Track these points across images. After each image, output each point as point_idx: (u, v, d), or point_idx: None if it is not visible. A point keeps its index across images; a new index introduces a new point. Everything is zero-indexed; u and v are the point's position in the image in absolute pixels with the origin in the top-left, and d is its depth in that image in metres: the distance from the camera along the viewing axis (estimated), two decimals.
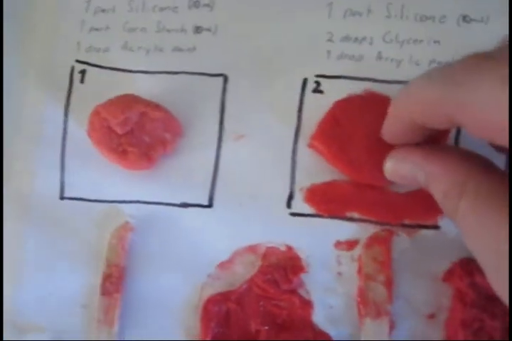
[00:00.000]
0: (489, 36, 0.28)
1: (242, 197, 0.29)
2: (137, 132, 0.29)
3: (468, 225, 0.21)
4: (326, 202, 0.29)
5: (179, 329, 0.29)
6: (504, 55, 0.18)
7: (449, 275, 0.28)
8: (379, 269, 0.28)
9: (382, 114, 0.28)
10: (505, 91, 0.17)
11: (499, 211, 0.20)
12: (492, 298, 0.27)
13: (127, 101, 0.29)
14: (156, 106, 0.29)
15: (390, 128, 0.25)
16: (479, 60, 0.19)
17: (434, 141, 0.26)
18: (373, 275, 0.28)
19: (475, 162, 0.22)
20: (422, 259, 0.28)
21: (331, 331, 0.28)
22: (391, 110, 0.24)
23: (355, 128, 0.29)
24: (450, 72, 0.20)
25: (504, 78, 0.18)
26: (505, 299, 0.19)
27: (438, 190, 0.23)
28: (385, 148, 0.28)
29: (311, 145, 0.29)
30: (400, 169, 0.25)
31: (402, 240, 0.29)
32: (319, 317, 0.29)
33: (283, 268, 0.29)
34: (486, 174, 0.21)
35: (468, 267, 0.27)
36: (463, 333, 0.27)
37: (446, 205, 0.22)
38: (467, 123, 0.19)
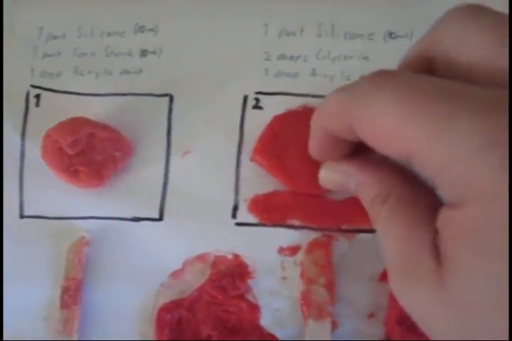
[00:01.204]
0: None
1: (191, 210, 0.31)
2: (88, 152, 0.31)
3: (382, 230, 0.23)
4: (268, 211, 0.31)
5: (136, 337, 0.31)
6: (400, 72, 0.20)
7: (385, 276, 0.30)
8: (320, 273, 0.30)
9: None
10: (395, 105, 0.18)
11: (408, 220, 0.21)
12: None
13: (76, 124, 0.30)
14: (104, 127, 0.31)
15: (314, 144, 0.26)
16: (378, 75, 0.21)
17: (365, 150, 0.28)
18: (315, 278, 0.30)
19: (401, 174, 0.24)
20: (360, 262, 0.30)
21: (278, 333, 0.30)
22: (311, 125, 0.26)
23: (291, 142, 0.30)
24: (353, 86, 0.21)
25: (395, 92, 0.19)
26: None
27: (366, 198, 0.25)
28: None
29: (252, 159, 0.31)
30: (333, 178, 0.27)
31: (341, 244, 0.31)
32: (266, 320, 0.30)
33: (231, 275, 0.30)
34: (408, 186, 0.22)
35: None
36: (398, 329, 0.29)
37: (371, 212, 0.24)
38: (363, 136, 0.21)
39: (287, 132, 0.31)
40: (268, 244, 0.31)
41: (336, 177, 0.26)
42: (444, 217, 0.18)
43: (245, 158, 0.31)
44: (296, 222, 0.31)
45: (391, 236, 0.22)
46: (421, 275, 0.19)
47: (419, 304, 0.19)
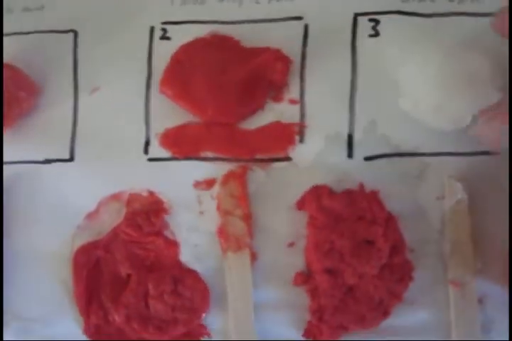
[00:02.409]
0: None
1: (102, 148, 0.30)
2: None
3: None
4: (180, 144, 0.30)
5: (55, 281, 0.30)
6: None
7: (301, 204, 0.29)
8: (236, 204, 0.29)
9: (227, 53, 0.29)
10: None
11: None
12: (338, 219, 0.28)
13: None
14: (6, 66, 0.29)
15: None
16: None
17: None
18: (231, 210, 0.29)
19: None
20: (277, 191, 0.29)
21: (198, 267, 0.29)
22: None
23: (199, 70, 0.29)
24: None
25: None
26: None
27: None
28: (228, 87, 0.28)
29: (161, 91, 0.30)
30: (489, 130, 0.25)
31: (257, 174, 0.29)
32: (186, 256, 0.29)
33: (145, 213, 0.29)
34: None
35: (316, 193, 0.28)
36: (316, 256, 0.28)
37: None
38: None
39: (194, 61, 0.29)
40: (183, 179, 0.30)
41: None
42: None
43: (155, 91, 0.30)
44: (210, 154, 0.30)
45: None
46: None
47: None
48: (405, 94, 0.28)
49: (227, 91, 0.28)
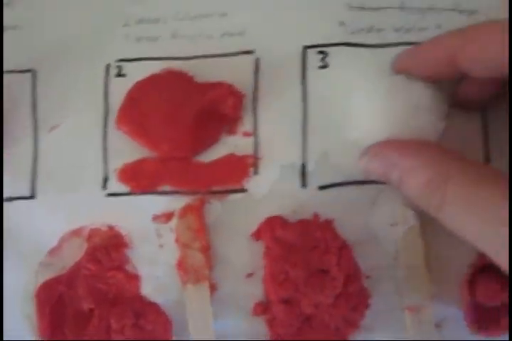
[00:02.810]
0: (270, 4, 0.30)
1: (62, 185, 0.31)
2: None
3: (459, 213, 0.21)
4: (138, 179, 0.30)
5: (21, 319, 0.30)
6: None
7: (257, 234, 0.29)
8: (194, 237, 0.30)
9: (180, 89, 0.29)
10: (503, 33, 0.21)
11: (492, 193, 0.20)
12: (292, 249, 0.28)
13: None
14: None
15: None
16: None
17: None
18: (189, 243, 0.30)
19: (453, 154, 0.23)
20: (235, 222, 0.30)
21: (160, 300, 0.30)
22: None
23: (153, 106, 0.30)
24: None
25: (503, 27, 0.22)
26: None
27: (416, 184, 0.23)
28: (182, 122, 0.29)
29: (117, 128, 0.30)
30: (373, 166, 0.26)
31: (214, 206, 0.30)
32: (147, 289, 0.30)
33: (105, 247, 0.30)
34: (468, 162, 0.23)
35: (270, 224, 0.29)
36: (272, 286, 0.28)
37: (429, 198, 0.22)
38: (466, 63, 0.24)
39: (149, 97, 0.30)
40: (142, 213, 0.30)
41: (376, 165, 0.25)
42: None
43: (112, 127, 0.31)
44: (167, 188, 0.30)
45: (474, 218, 0.21)
46: None
47: None
48: (355, 125, 0.29)
49: (181, 126, 0.29)
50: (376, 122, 0.27)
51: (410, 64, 0.27)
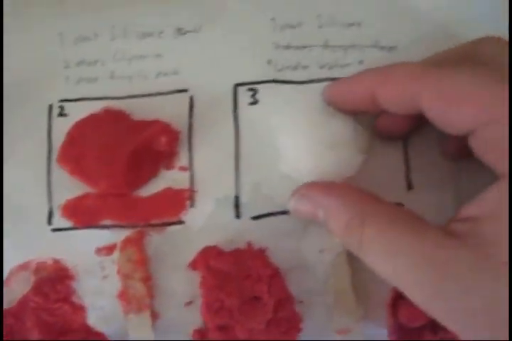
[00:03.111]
0: (202, 44, 0.32)
1: (9, 220, 0.32)
2: None
3: (376, 253, 0.23)
4: (80, 214, 0.32)
5: None
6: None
7: (194, 264, 0.31)
8: (135, 268, 0.31)
9: (118, 128, 0.31)
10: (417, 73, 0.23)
11: (404, 233, 0.22)
12: (227, 278, 0.30)
13: None
14: None
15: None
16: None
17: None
18: (130, 274, 0.31)
19: (369, 195, 0.25)
20: (174, 253, 0.31)
21: (105, 330, 0.31)
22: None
23: (91, 144, 0.31)
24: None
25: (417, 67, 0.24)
26: (442, 322, 0.22)
27: (339, 223, 0.24)
28: (118, 160, 0.31)
29: (59, 165, 0.32)
30: (301, 206, 0.27)
31: (154, 238, 0.32)
32: (93, 319, 0.31)
33: (52, 280, 0.31)
34: (381, 203, 0.24)
35: (206, 253, 0.30)
36: (208, 314, 0.30)
37: (349, 238, 0.24)
38: (383, 100, 0.25)
39: (87, 136, 0.32)
40: (85, 246, 0.32)
41: (304, 205, 0.27)
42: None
43: (55, 164, 0.32)
44: (108, 222, 0.32)
45: (390, 258, 0.22)
46: (462, 268, 0.21)
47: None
48: (283, 159, 0.30)
49: (117, 164, 0.31)
50: (300, 157, 0.29)
51: (334, 97, 0.29)
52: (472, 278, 0.21)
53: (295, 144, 0.30)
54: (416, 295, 0.22)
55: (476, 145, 0.23)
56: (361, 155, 0.29)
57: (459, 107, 0.22)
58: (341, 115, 0.29)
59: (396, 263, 0.22)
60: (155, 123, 0.32)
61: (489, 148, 0.22)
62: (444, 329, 0.28)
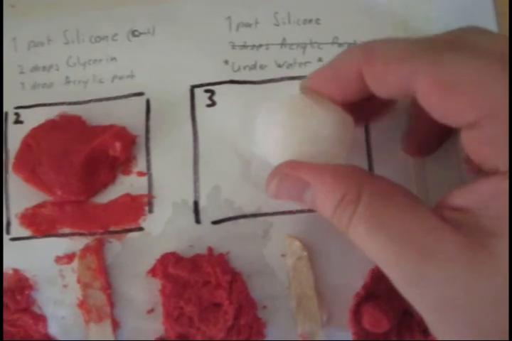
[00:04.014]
0: (156, 46, 0.31)
1: None
2: None
3: (367, 228, 0.21)
4: (38, 223, 0.31)
5: None
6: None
7: (153, 271, 0.30)
8: (94, 276, 0.30)
9: (72, 134, 0.30)
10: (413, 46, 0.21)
11: (400, 211, 0.21)
12: (185, 285, 0.29)
13: None
14: None
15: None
16: None
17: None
18: (90, 283, 0.31)
19: (362, 169, 0.23)
20: (134, 260, 0.31)
21: (66, 339, 0.31)
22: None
23: (46, 152, 0.31)
24: None
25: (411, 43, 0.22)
26: (419, 309, 0.20)
27: (331, 201, 0.22)
28: (72, 167, 0.30)
29: (14, 174, 0.31)
30: (284, 189, 0.24)
31: (114, 246, 0.31)
32: (54, 329, 0.31)
33: (11, 291, 0.31)
34: (377, 178, 0.22)
35: (165, 260, 0.30)
36: (168, 322, 0.29)
37: (339, 218, 0.22)
38: (371, 77, 0.22)
39: (42, 143, 0.31)
40: (45, 255, 0.31)
41: (288, 186, 0.24)
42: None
43: (11, 173, 0.32)
44: (67, 230, 0.31)
45: (385, 234, 0.21)
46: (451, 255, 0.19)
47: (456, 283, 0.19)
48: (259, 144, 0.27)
49: (71, 171, 0.30)
50: (276, 151, 0.26)
51: (318, 84, 0.25)
52: (461, 267, 0.19)
53: (267, 141, 0.26)
54: (395, 276, 0.21)
55: (471, 138, 0.21)
56: (340, 149, 0.26)
57: (461, 97, 0.20)
58: (321, 109, 0.25)
59: (384, 240, 0.20)
60: (110, 128, 0.31)
61: (487, 142, 0.20)
62: (409, 334, 0.28)
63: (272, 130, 0.26)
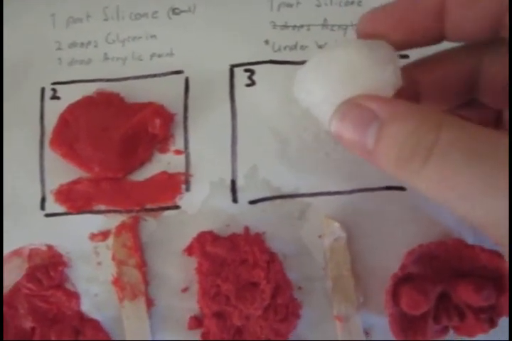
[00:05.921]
0: (197, 25, 0.31)
1: (2, 207, 0.31)
2: None
3: (454, 161, 0.17)
4: (73, 199, 0.31)
5: None
6: None
7: (189, 250, 0.30)
8: (129, 254, 0.30)
9: (111, 110, 0.30)
10: None
11: (481, 141, 0.17)
12: (223, 264, 0.29)
13: None
14: None
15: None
16: None
17: None
18: (125, 260, 0.30)
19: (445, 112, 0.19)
20: (169, 239, 0.30)
21: (99, 317, 0.30)
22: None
23: (84, 128, 0.31)
24: None
25: None
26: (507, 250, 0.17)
27: (401, 132, 0.18)
28: (111, 143, 0.30)
29: (51, 150, 0.31)
30: (350, 119, 0.20)
31: (149, 224, 0.31)
32: (86, 306, 0.31)
33: (45, 267, 0.31)
34: (460, 120, 0.18)
35: (202, 238, 0.30)
36: (204, 300, 0.29)
37: (412, 149, 0.17)
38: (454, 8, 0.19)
39: (80, 119, 0.31)
40: (79, 232, 0.31)
41: (355, 115, 0.19)
42: None
43: (48, 149, 0.31)
44: (102, 207, 0.31)
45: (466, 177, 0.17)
46: None
47: None
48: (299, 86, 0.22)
49: (110, 147, 0.30)
50: (340, 91, 0.21)
51: (380, 24, 0.22)
52: None
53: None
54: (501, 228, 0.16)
55: None
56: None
57: None
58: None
59: (483, 176, 0.16)
60: (149, 105, 0.31)
61: None
62: (446, 317, 0.28)
63: (334, 66, 0.21)
